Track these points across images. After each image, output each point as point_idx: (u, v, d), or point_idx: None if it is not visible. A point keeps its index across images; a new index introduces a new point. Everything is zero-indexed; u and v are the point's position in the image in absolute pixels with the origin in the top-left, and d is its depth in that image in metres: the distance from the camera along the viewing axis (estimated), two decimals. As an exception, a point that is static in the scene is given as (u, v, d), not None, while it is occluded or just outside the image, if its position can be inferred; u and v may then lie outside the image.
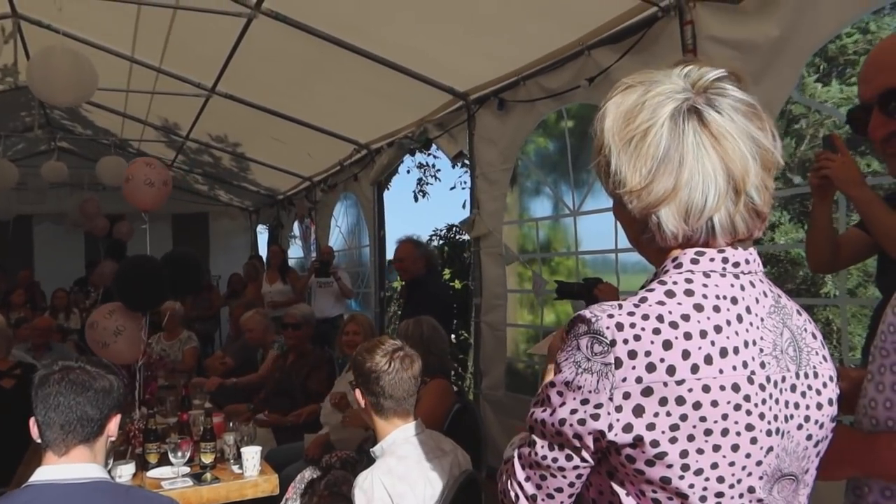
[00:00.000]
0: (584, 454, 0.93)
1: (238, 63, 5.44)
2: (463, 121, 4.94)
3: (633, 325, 0.89)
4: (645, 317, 0.90)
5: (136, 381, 3.52)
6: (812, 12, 2.50)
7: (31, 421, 1.71)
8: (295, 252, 9.45)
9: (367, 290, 7.23)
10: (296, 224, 9.25)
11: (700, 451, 0.89)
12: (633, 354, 0.88)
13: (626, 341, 0.89)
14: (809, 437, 0.98)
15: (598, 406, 0.89)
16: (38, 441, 1.72)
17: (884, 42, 1.28)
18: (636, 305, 0.92)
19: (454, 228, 9.11)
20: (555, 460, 0.94)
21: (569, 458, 0.94)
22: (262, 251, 10.97)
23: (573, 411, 0.91)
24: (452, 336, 7.37)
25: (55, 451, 1.67)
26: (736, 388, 0.90)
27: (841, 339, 5.79)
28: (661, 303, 0.92)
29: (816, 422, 0.98)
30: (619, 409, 0.89)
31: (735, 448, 0.90)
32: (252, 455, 2.68)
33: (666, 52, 3.03)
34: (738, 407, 0.90)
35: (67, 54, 4.00)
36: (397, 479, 1.80)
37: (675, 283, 0.94)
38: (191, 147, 8.30)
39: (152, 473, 2.72)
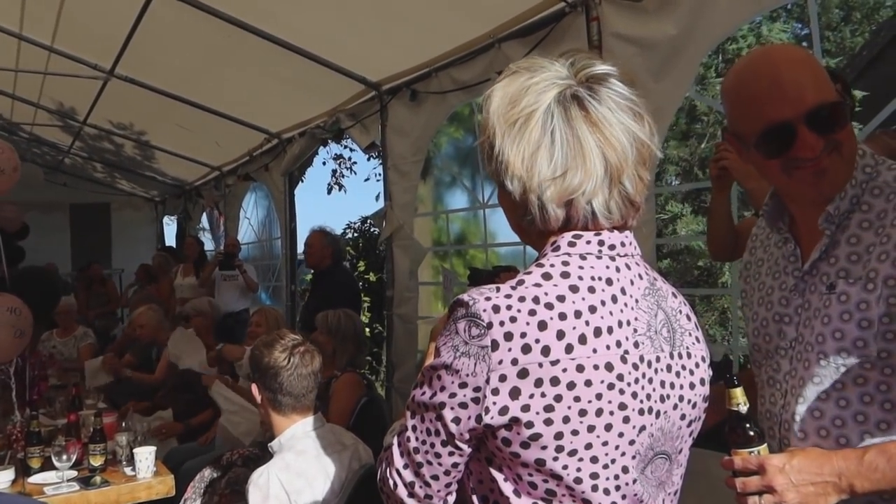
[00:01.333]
0: (461, 440, 0.92)
1: (139, 44, 5.17)
2: (375, 111, 4.88)
3: (509, 308, 0.89)
4: (521, 298, 0.90)
5: (18, 380, 3.28)
6: (708, 13, 2.61)
7: None
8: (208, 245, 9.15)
9: (279, 283, 7.07)
10: (204, 215, 8.93)
11: (575, 433, 0.89)
12: (509, 336, 0.88)
13: (502, 323, 0.89)
14: (683, 417, 0.99)
15: (477, 389, 0.89)
16: None
17: (781, 61, 1.28)
18: (513, 288, 0.92)
19: (368, 221, 9.04)
20: (432, 445, 0.93)
21: (444, 443, 0.93)
22: (170, 243, 10.57)
23: (452, 395, 0.91)
24: (367, 329, 7.32)
25: None
26: (609, 367, 0.90)
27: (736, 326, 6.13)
28: (537, 285, 0.92)
29: (689, 401, 1.00)
30: (495, 391, 0.88)
31: (608, 427, 0.91)
32: (145, 456, 2.54)
33: (573, 46, 3.08)
34: (611, 386, 0.90)
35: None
36: (295, 475, 1.74)
37: (552, 265, 0.94)
38: (89, 133, 7.86)
39: (34, 479, 2.54)
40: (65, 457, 2.43)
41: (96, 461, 2.53)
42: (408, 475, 0.96)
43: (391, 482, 0.97)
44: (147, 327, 4.69)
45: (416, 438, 0.95)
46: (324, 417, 1.98)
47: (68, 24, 5.12)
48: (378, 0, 3.86)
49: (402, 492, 0.96)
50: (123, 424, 2.81)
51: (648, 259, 1.57)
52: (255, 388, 1.93)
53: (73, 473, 2.54)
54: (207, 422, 4.11)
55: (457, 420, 0.91)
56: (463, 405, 0.90)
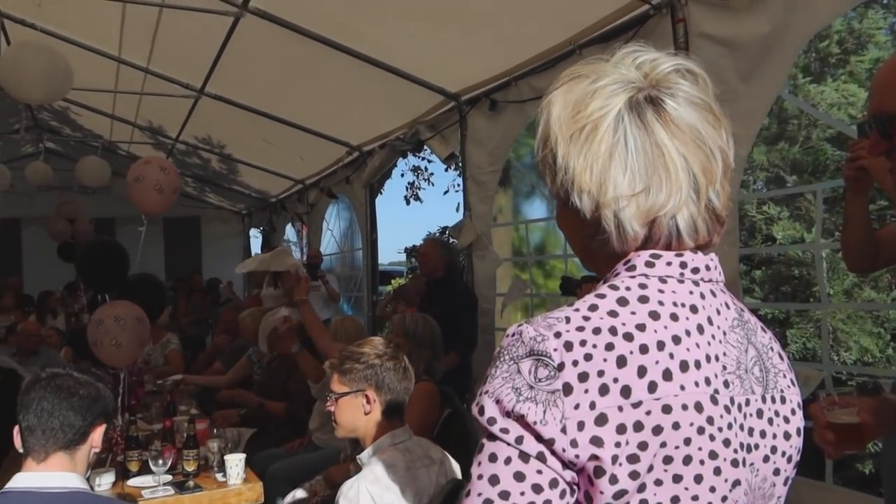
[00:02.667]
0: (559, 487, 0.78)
1: (226, 63, 5.38)
2: (455, 122, 4.89)
3: (583, 343, 0.77)
4: (596, 331, 0.79)
5: (121, 386, 3.45)
6: (802, 7, 2.48)
7: (15, 429, 1.66)
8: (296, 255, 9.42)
9: (360, 293, 7.18)
10: (289, 227, 9.19)
11: (658, 483, 0.77)
12: (584, 377, 0.76)
13: (575, 363, 0.77)
14: (777, 472, 0.87)
15: (551, 442, 0.76)
16: (21, 450, 1.66)
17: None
18: (586, 318, 0.80)
19: (447, 232, 9.08)
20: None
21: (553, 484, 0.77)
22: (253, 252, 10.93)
23: (521, 453, 0.77)
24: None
25: (34, 458, 1.62)
26: (699, 407, 0.79)
27: (836, 339, 5.77)
28: (612, 313, 0.80)
29: (784, 454, 0.87)
30: (573, 443, 0.76)
31: (698, 479, 0.78)
32: (236, 463, 2.61)
33: (658, 49, 2.99)
34: (701, 430, 0.78)
35: (40, 50, 3.93)
36: (385, 489, 1.73)
37: (627, 288, 0.83)
38: (180, 149, 8.24)
39: (133, 482, 2.65)
40: (161, 461, 2.53)
41: (190, 466, 2.62)
42: None
43: None
44: (246, 332, 4.89)
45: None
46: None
47: (162, 47, 5.39)
48: (456, 10, 3.88)
49: None
50: (215, 431, 2.90)
51: (732, 271, 1.46)
52: (357, 396, 1.90)
53: (169, 478, 2.64)
54: (280, 414, 4.17)
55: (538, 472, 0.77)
56: (543, 457, 0.77)
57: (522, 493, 0.76)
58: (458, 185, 9.42)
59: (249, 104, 6.18)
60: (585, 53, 3.46)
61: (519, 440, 0.77)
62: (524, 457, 0.77)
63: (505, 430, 0.77)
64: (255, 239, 11.53)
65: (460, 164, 5.19)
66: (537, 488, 0.76)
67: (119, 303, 3.65)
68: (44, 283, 9.08)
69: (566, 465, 0.77)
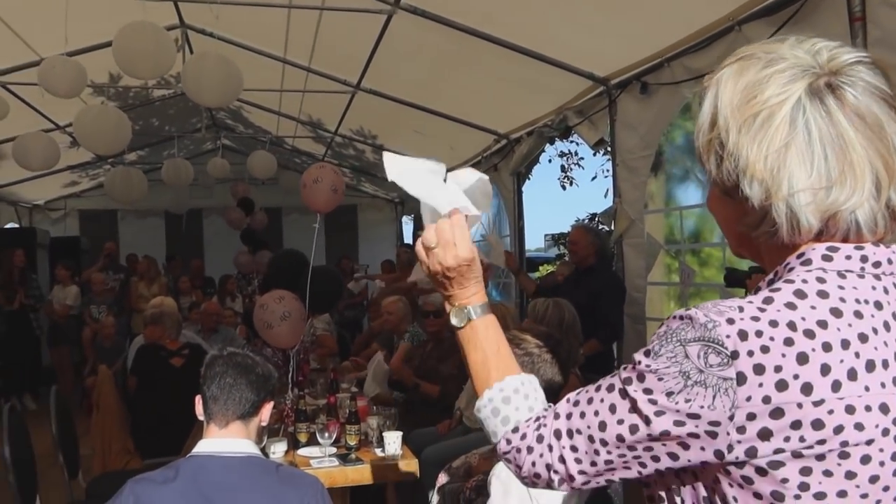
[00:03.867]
0: (679, 461, 0.81)
1: (380, 59, 5.64)
2: (604, 107, 4.80)
3: (759, 334, 0.76)
4: (773, 323, 0.76)
5: (290, 364, 3.75)
6: None
7: (197, 398, 1.87)
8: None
9: (508, 280, 7.25)
10: (438, 215, 9.43)
11: (828, 474, 0.76)
12: (759, 369, 0.75)
13: (751, 353, 0.75)
14: None
15: (715, 424, 0.77)
16: (201, 418, 1.88)
17: None
18: (761, 309, 0.78)
19: (596, 218, 8.92)
20: (631, 449, 0.82)
21: (655, 459, 0.82)
22: (407, 241, 11.34)
23: (678, 423, 0.78)
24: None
25: (217, 424, 1.82)
26: (884, 409, 0.76)
27: None
28: (790, 305, 0.78)
29: None
30: (741, 430, 0.76)
31: (873, 479, 0.76)
32: (394, 439, 2.77)
33: (829, 22, 2.75)
34: (886, 432, 0.76)
35: (215, 59, 4.33)
36: None
37: (804, 281, 0.80)
38: (337, 142, 8.72)
39: (302, 452, 2.90)
40: (326, 434, 2.74)
41: (352, 440, 2.82)
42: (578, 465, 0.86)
43: (550, 473, 0.89)
44: (394, 315, 5.11)
45: (609, 431, 0.83)
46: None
47: (322, 47, 5.74)
48: (604, -7, 3.81)
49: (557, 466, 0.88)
50: (374, 409, 3.09)
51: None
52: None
53: (333, 450, 2.85)
54: (433, 396, 4.32)
55: (684, 445, 0.79)
56: (696, 436, 0.78)
57: (619, 447, 0.83)
58: (607, 170, 9.22)
59: (401, 97, 6.43)
60: (746, 31, 3.26)
61: (650, 419, 0.80)
62: (647, 427, 0.80)
63: (652, 401, 0.79)
64: (407, 226, 11.99)
65: (609, 150, 5.08)
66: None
67: (279, 290, 3.98)
68: (221, 266, 10.01)
69: (717, 454, 0.78)
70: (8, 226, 9.56)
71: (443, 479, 3.21)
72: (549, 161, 12.50)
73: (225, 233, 11.31)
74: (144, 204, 9.19)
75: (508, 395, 0.98)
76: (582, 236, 4.74)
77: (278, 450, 2.79)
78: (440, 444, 3.68)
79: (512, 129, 6.38)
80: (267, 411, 1.90)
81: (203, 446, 1.80)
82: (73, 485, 3.48)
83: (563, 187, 12.24)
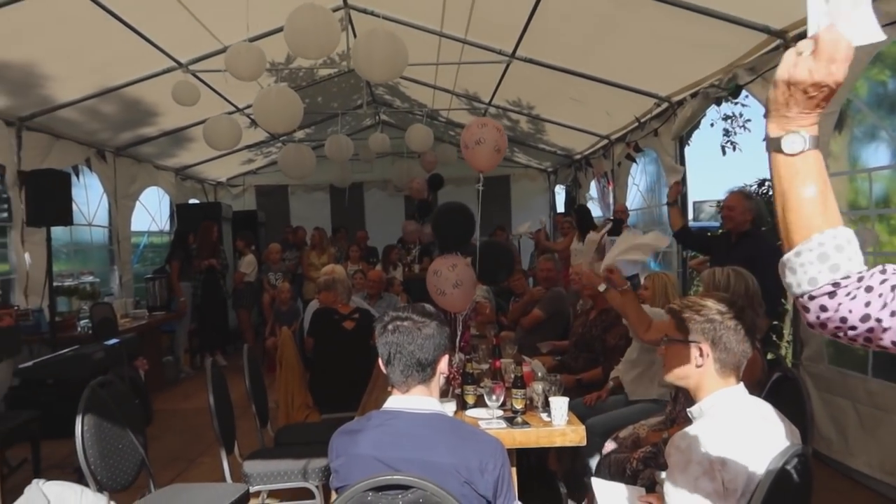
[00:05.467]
0: None
1: (536, 26, 5.58)
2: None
3: None
4: None
5: (457, 327, 3.88)
6: None
7: (378, 360, 1.98)
8: (594, 212, 9.51)
9: (669, 249, 6.99)
10: (593, 183, 9.26)
11: None
12: None
13: None
14: None
15: None
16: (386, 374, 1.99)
17: None
18: None
19: (766, 183, 8.32)
20: None
21: None
22: (560, 210, 11.24)
23: None
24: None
25: (399, 390, 1.92)
26: None
27: None
28: None
29: None
30: None
31: None
32: (561, 405, 2.80)
33: None
34: None
35: (384, 35, 4.49)
36: (719, 446, 1.70)
37: None
38: (491, 112, 8.76)
39: (470, 413, 3.00)
40: (494, 397, 2.82)
41: (518, 404, 2.88)
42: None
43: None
44: (550, 271, 5.15)
45: None
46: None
47: (478, 18, 5.78)
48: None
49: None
50: (539, 374, 3.13)
51: None
52: (693, 347, 1.88)
53: (500, 413, 2.93)
54: (598, 380, 4.31)
55: None
56: None
57: None
58: (780, 131, 8.50)
59: (557, 64, 6.33)
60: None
61: None
62: None
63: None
64: (559, 196, 11.85)
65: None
66: None
67: (451, 256, 4.10)
68: (381, 236, 10.49)
69: None
70: (196, 201, 10.59)
71: (609, 446, 3.21)
72: (712, 125, 11.77)
73: (384, 205, 11.83)
74: (312, 179, 9.80)
75: (842, 244, 0.97)
76: (739, 201, 4.51)
77: (448, 409, 2.90)
78: (605, 415, 3.67)
79: (674, 92, 6.09)
80: (444, 363, 1.97)
81: (391, 403, 1.92)
82: (263, 433, 3.85)
83: (724, 152, 11.51)
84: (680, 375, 1.95)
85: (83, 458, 2.74)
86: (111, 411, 2.96)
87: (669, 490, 1.78)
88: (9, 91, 5.60)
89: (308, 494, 3.42)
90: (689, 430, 1.81)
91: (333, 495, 1.95)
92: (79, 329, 6.38)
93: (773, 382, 2.55)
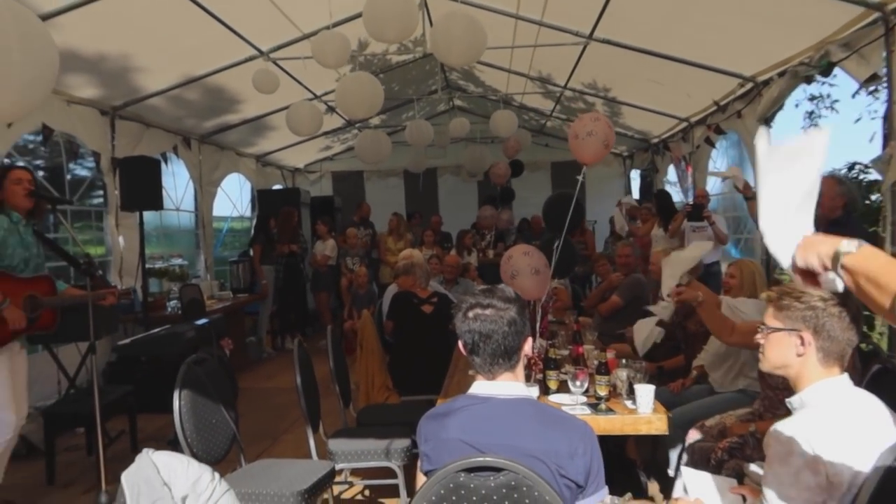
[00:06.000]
0: None
1: (615, 6, 5.46)
2: (878, 37, 4.20)
3: None
4: None
5: (536, 314, 3.87)
6: None
7: (461, 344, 1.96)
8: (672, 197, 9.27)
9: (750, 235, 6.76)
10: (671, 167, 9.02)
11: None
12: None
13: None
14: None
15: None
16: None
17: None
18: None
19: (856, 167, 7.90)
20: None
21: None
22: (636, 196, 11.01)
23: None
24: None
25: (485, 378, 1.92)
26: None
27: None
28: None
29: None
30: None
31: None
32: (646, 392, 2.76)
33: None
34: None
35: (463, 18, 4.47)
36: (823, 439, 1.64)
37: None
38: (567, 96, 8.64)
39: (553, 398, 3.00)
40: (578, 382, 2.81)
41: (601, 391, 2.85)
42: None
43: None
44: (629, 257, 5.16)
45: None
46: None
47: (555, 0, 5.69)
48: None
49: None
50: (623, 361, 3.09)
51: None
52: (796, 336, 1.83)
53: (584, 399, 2.92)
54: (680, 367, 4.23)
55: None
56: None
57: None
58: (874, 111, 8.06)
59: (636, 44, 6.18)
60: None
61: None
62: None
63: None
64: (634, 181, 11.60)
65: (886, 87, 4.45)
66: None
67: (525, 245, 4.10)
68: (455, 221, 10.55)
69: None
70: (275, 187, 10.90)
71: (694, 436, 3.15)
72: (796, 106, 11.25)
73: (458, 190, 11.88)
74: (386, 164, 9.93)
75: None
76: (829, 186, 4.26)
77: (532, 393, 2.90)
78: (687, 405, 3.60)
79: (760, 71, 5.85)
80: (528, 345, 1.95)
81: (478, 388, 1.93)
82: (346, 413, 3.96)
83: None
84: (779, 365, 1.89)
85: (181, 431, 2.88)
86: (206, 388, 3.10)
87: (768, 481, 1.73)
88: (104, 82, 5.89)
89: (389, 474, 3.51)
90: (790, 421, 1.75)
91: (420, 478, 1.99)
92: (168, 309, 6.69)
93: (872, 375, 2.44)
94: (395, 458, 3.43)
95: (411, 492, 3.58)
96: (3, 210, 3.65)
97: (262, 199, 9.96)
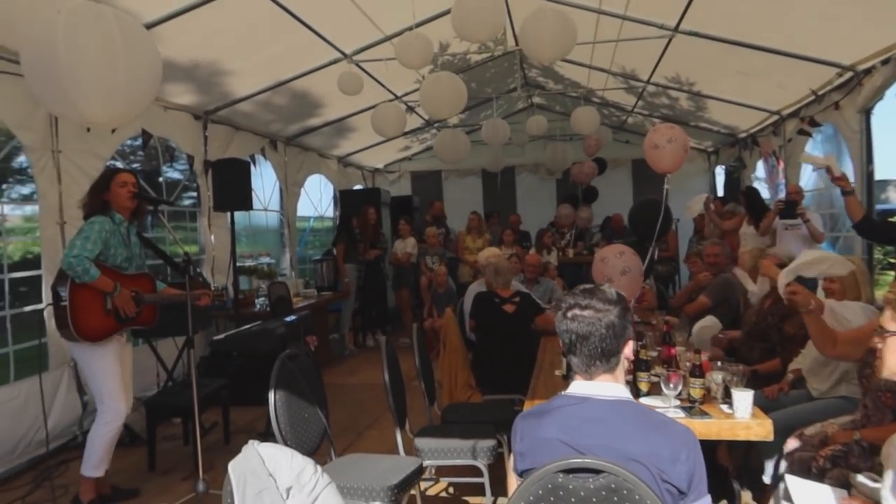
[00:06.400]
0: None
1: (703, -2, 5.29)
2: None
3: None
4: None
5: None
6: None
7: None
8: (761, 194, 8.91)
9: (848, 233, 6.40)
10: (760, 163, 8.66)
11: None
12: None
13: None
14: None
15: None
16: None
17: None
18: None
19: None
20: None
21: None
22: (720, 193, 10.64)
23: None
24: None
25: (583, 378, 1.90)
26: None
27: None
28: None
29: None
30: None
31: None
32: (745, 397, 2.65)
33: None
34: None
35: (552, 15, 4.42)
36: None
37: None
38: (649, 91, 8.43)
39: (644, 400, 2.91)
40: (671, 385, 2.72)
41: (696, 394, 2.76)
42: None
43: None
44: (718, 256, 5.05)
45: None
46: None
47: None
48: None
49: None
50: (718, 364, 2.99)
51: None
52: None
53: (677, 402, 2.83)
54: (776, 371, 4.05)
55: None
56: None
57: None
58: None
59: (724, 36, 5.97)
60: None
61: None
62: None
63: None
64: (719, 177, 11.21)
65: None
66: None
67: (619, 245, 4.04)
68: (532, 222, 10.47)
69: None
70: (356, 187, 11.12)
71: (792, 444, 3.02)
72: (900, 95, 10.59)
73: (536, 189, 11.80)
74: (465, 163, 9.96)
75: None
76: None
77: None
78: (783, 410, 3.44)
79: (860, 60, 5.54)
80: (628, 349, 1.91)
81: (576, 388, 1.91)
82: (430, 410, 3.99)
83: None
84: None
85: (276, 424, 2.98)
86: (298, 382, 3.19)
87: (891, 492, 1.64)
88: (199, 89, 6.16)
89: (473, 472, 3.51)
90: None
91: (512, 476, 1.98)
92: (257, 306, 6.93)
93: None
94: (481, 457, 3.43)
95: (496, 491, 3.58)
96: (108, 212, 3.86)
97: (344, 199, 10.18)
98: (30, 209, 5.49)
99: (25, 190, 9.03)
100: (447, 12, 4.90)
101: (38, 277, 4.81)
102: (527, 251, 7.93)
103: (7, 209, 5.11)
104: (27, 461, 4.60)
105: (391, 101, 7.44)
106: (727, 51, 6.15)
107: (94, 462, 3.86)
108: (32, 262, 5.26)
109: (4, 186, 9.21)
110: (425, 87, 5.23)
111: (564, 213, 10.13)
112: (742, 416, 2.66)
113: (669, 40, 6.31)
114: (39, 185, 4.79)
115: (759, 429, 2.63)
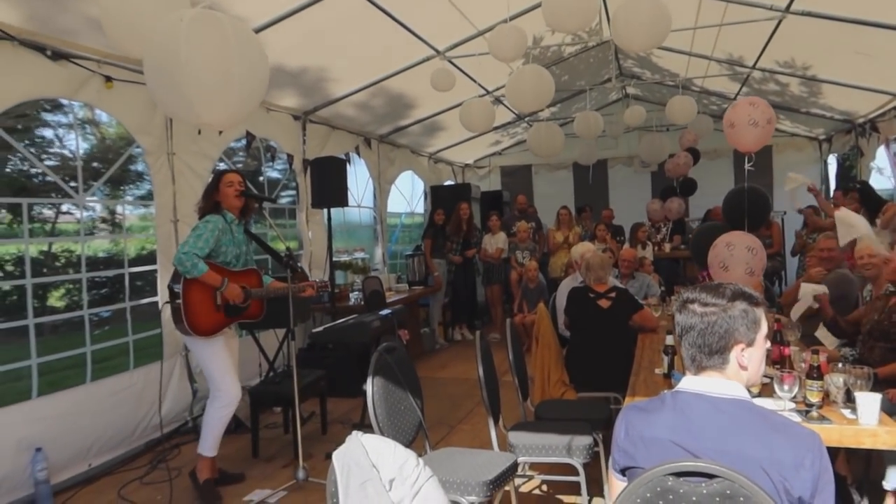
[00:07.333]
0: None
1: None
2: None
3: None
4: None
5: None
6: None
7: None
8: (881, 183, 8.31)
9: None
10: (880, 150, 8.06)
11: None
12: None
13: None
14: None
15: None
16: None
17: None
18: None
19: None
20: None
21: None
22: (832, 184, 10.02)
23: None
24: None
25: (690, 371, 1.83)
26: None
27: None
28: None
29: None
30: None
31: None
32: (871, 402, 2.44)
33: None
34: None
35: (647, 3, 4.25)
36: None
37: None
38: (755, 77, 8.01)
39: (757, 402, 2.76)
40: (785, 387, 2.56)
41: (814, 397, 2.57)
42: None
43: None
44: (832, 251, 4.87)
45: None
46: None
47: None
48: None
49: None
50: (839, 366, 2.78)
51: None
52: None
53: (792, 405, 2.65)
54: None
55: None
56: None
57: None
58: None
59: (841, 14, 5.57)
60: None
61: None
62: None
63: None
64: (831, 166, 10.54)
65: None
66: None
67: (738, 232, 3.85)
68: (627, 214, 10.18)
69: None
70: (446, 182, 11.17)
71: None
72: None
73: (629, 182, 11.48)
74: (555, 157, 9.80)
75: None
76: None
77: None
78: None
79: None
80: (739, 352, 1.77)
81: (687, 384, 1.82)
82: (524, 406, 3.94)
83: None
84: None
85: (373, 416, 3.01)
86: (395, 375, 3.22)
87: None
88: (302, 92, 6.35)
89: (568, 470, 3.44)
90: None
91: (611, 474, 1.91)
92: (352, 300, 7.08)
93: None
94: (577, 456, 3.35)
95: (591, 491, 3.49)
96: (220, 211, 4.04)
97: (435, 195, 10.24)
98: (144, 210, 5.83)
99: (140, 191, 9.66)
100: (539, 5, 4.81)
101: (153, 272, 5.09)
102: (621, 246, 7.71)
103: (127, 210, 5.46)
104: (144, 444, 4.89)
105: (482, 96, 7.41)
106: (844, 30, 5.74)
107: (211, 443, 4.08)
108: (147, 257, 5.58)
109: (123, 189, 9.84)
110: (511, 82, 5.17)
111: (653, 207, 9.83)
112: (868, 423, 2.46)
113: (779, 22, 5.95)
114: (155, 185, 5.07)
115: (888, 437, 2.42)
